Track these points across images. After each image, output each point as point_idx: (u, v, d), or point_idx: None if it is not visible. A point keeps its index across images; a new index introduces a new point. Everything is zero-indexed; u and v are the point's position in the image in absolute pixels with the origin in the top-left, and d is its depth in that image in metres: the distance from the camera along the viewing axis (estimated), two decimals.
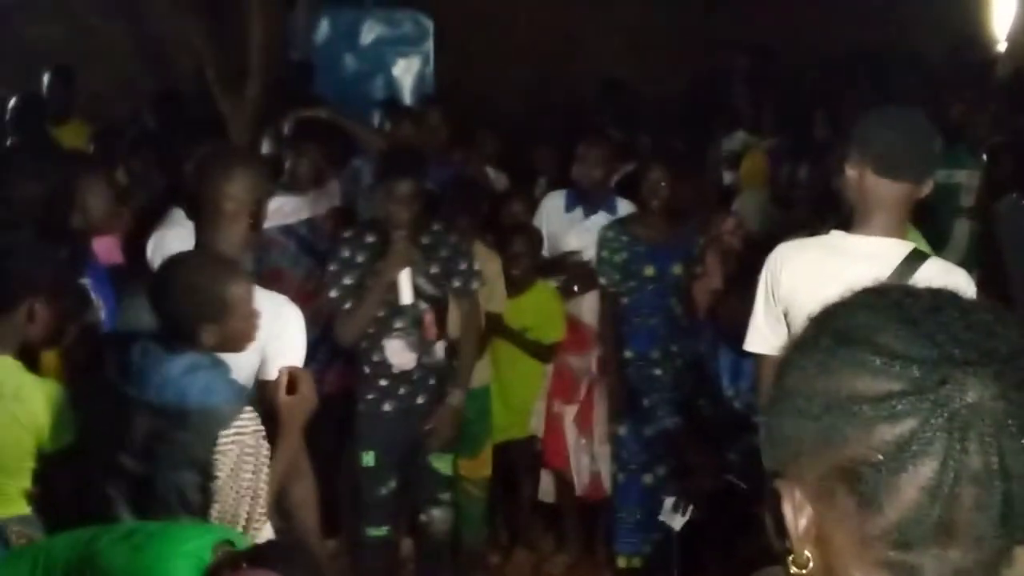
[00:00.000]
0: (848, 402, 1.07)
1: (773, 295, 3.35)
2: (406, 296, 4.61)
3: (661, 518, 4.95)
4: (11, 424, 3.16)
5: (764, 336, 3.38)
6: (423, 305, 4.71)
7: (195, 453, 3.03)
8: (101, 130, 6.64)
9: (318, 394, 5.04)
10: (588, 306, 5.58)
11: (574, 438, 5.56)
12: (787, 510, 1.12)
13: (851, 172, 3.25)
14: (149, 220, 4.95)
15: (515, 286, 5.36)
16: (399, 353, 4.68)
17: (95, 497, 3.09)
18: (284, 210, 5.48)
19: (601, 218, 5.60)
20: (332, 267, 4.70)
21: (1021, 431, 1.06)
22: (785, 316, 3.34)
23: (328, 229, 5.50)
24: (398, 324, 4.67)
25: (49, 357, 3.72)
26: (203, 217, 3.36)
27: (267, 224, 5.31)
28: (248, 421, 3.08)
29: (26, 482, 3.27)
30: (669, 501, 4.93)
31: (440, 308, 4.79)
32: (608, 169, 5.69)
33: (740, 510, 4.51)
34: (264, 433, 3.14)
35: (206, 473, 3.05)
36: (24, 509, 3.26)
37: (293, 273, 5.40)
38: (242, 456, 3.05)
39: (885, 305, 1.12)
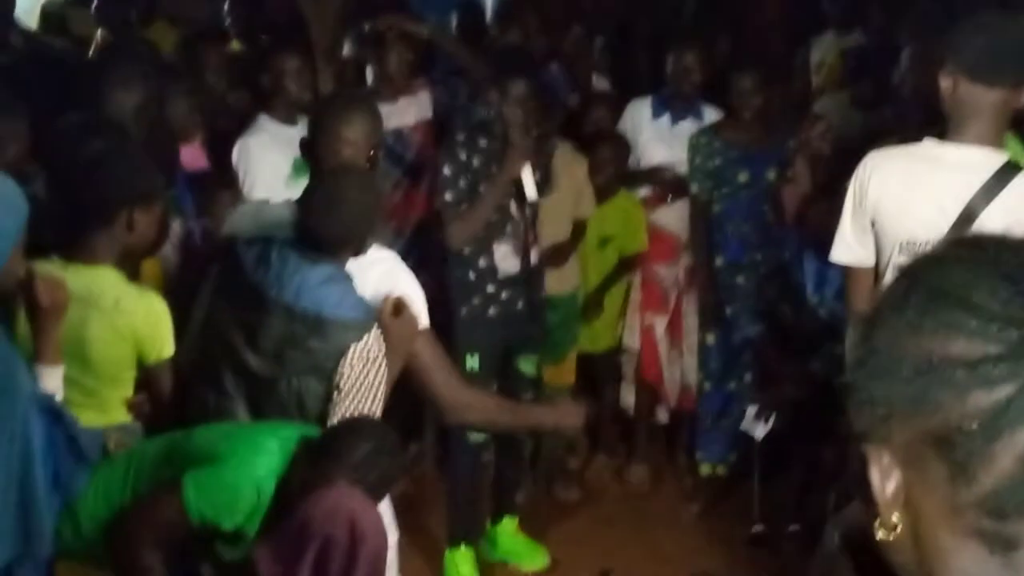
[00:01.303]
0: (941, 365, 1.01)
1: (861, 204, 3.31)
2: (531, 192, 4.62)
3: (743, 427, 4.96)
4: (111, 336, 3.20)
5: (851, 247, 3.35)
6: (528, 210, 4.73)
7: (324, 362, 3.12)
8: (187, 38, 6.64)
9: None
10: (676, 215, 5.54)
11: (666, 350, 5.57)
12: (874, 474, 1.08)
13: (945, 79, 3.16)
14: (231, 126, 4.99)
15: (599, 195, 5.33)
16: (507, 258, 4.72)
17: (211, 392, 3.17)
18: None
19: (689, 125, 5.53)
20: (447, 170, 4.67)
21: None
22: (873, 226, 3.31)
23: (416, 141, 5.46)
24: (508, 229, 4.69)
25: (150, 266, 3.78)
26: (320, 160, 3.40)
27: None
28: (376, 339, 3.16)
29: (127, 391, 3.32)
30: (752, 410, 4.93)
31: (535, 213, 4.80)
32: (704, 74, 5.59)
33: (823, 419, 4.50)
34: (385, 354, 3.21)
35: (330, 382, 3.14)
36: (125, 417, 3.32)
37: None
38: (365, 371, 3.12)
39: (982, 260, 1.05)
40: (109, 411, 3.29)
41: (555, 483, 5.58)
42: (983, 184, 3.16)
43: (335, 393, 3.12)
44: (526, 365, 4.90)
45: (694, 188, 5.41)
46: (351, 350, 3.10)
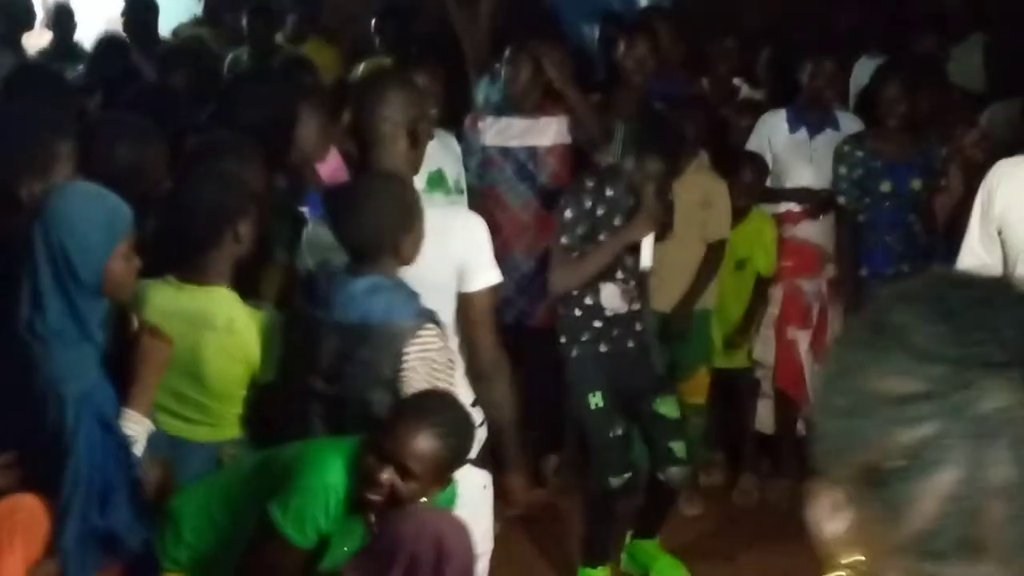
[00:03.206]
0: (873, 402, 1.00)
1: (989, 212, 3.25)
2: (647, 260, 4.53)
3: None
4: (223, 356, 3.26)
5: (977, 254, 3.30)
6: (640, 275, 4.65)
7: (381, 371, 3.12)
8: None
9: (526, 328, 5.19)
10: (818, 227, 5.46)
11: (810, 363, 5.46)
12: (816, 511, 1.06)
13: None
14: None
15: (736, 215, 5.26)
16: (613, 299, 4.63)
17: (296, 421, 3.23)
18: (508, 132, 5.47)
19: (826, 137, 5.42)
20: (568, 214, 4.58)
21: None
22: (999, 234, 3.21)
23: (550, 164, 5.37)
24: (619, 274, 4.61)
25: (270, 281, 3.81)
26: (365, 143, 3.43)
27: (491, 143, 5.45)
28: (432, 337, 3.15)
29: (240, 407, 3.38)
30: None
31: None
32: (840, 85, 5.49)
33: None
34: (449, 348, 3.24)
35: (394, 391, 3.14)
36: (237, 432, 3.39)
37: (507, 197, 5.40)
38: (432, 373, 3.12)
39: (928, 297, 1.03)
40: (223, 427, 3.36)
41: (680, 497, 5.50)
42: None
43: None
44: (665, 407, 4.71)
45: (841, 199, 5.30)
46: (408, 354, 3.10)
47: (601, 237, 4.56)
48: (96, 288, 2.88)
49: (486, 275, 3.46)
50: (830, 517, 1.05)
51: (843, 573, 1.05)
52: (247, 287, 3.43)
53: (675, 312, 5.15)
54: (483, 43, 7.06)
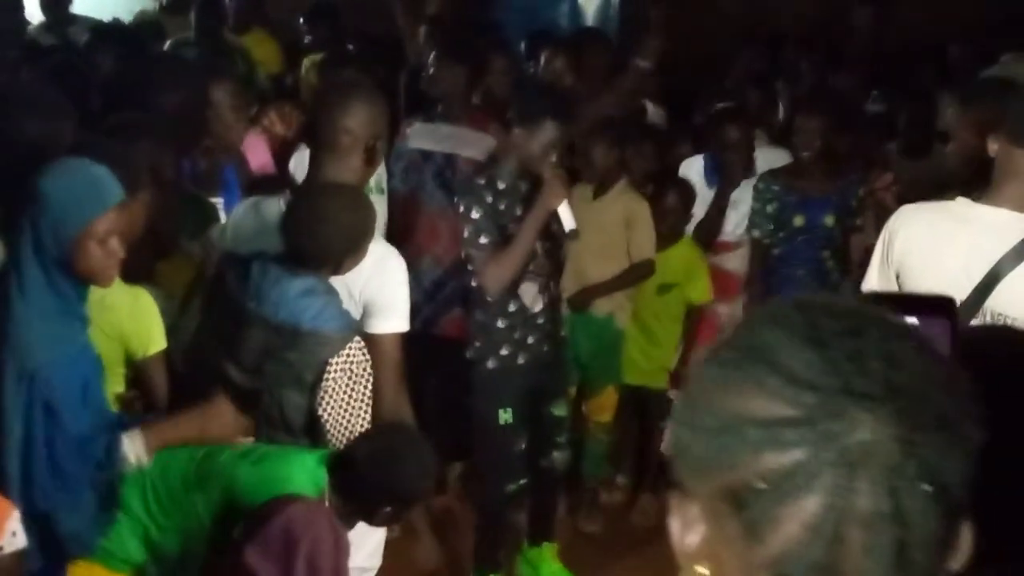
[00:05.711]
0: (740, 422, 1.01)
1: (888, 257, 3.26)
2: (569, 222, 4.33)
3: None
4: (96, 332, 3.20)
5: None
6: (555, 244, 4.58)
7: (302, 375, 3.15)
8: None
9: (430, 336, 5.13)
10: (741, 258, 5.53)
11: None
12: (674, 523, 1.08)
13: (992, 142, 3.14)
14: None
15: (661, 241, 5.28)
16: (532, 296, 4.55)
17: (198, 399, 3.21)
18: (433, 135, 5.39)
19: (742, 189, 5.49)
20: (475, 213, 4.43)
21: (922, 475, 0.99)
22: (897, 279, 3.24)
23: (466, 175, 5.20)
24: (531, 267, 4.51)
25: (179, 269, 3.77)
26: (319, 148, 3.38)
27: (414, 145, 5.41)
28: (357, 350, 3.18)
29: (118, 387, 3.35)
30: None
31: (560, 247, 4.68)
32: (749, 144, 5.51)
33: None
34: (370, 365, 3.24)
35: (311, 396, 3.17)
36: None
37: (425, 202, 5.34)
38: (351, 385, 3.13)
39: (798, 323, 1.04)
40: None
41: (579, 512, 5.53)
42: (1012, 247, 3.07)
43: (318, 409, 3.13)
44: (557, 409, 4.76)
45: (755, 233, 5.38)
46: (332, 364, 3.10)
47: (510, 227, 4.41)
48: (64, 262, 2.89)
49: (392, 321, 3.35)
50: (685, 530, 1.07)
51: None
52: (142, 272, 3.39)
53: (577, 294, 5.14)
54: (425, 49, 7.05)
